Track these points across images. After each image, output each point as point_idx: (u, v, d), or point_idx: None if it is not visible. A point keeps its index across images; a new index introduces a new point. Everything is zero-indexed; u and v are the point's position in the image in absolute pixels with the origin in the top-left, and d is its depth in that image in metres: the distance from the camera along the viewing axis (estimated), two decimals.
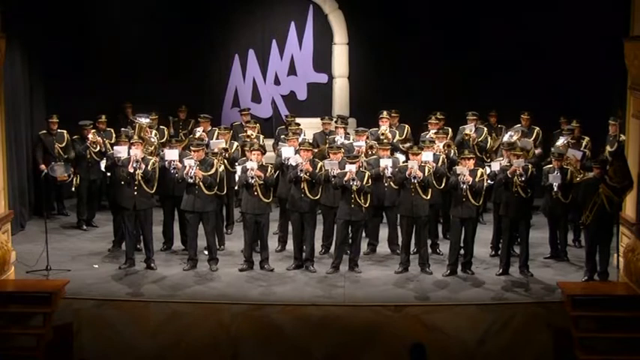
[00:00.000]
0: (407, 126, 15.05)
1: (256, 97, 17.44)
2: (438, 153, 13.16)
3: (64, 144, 14.98)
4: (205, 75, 17.21)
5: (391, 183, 12.81)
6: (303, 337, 11.11)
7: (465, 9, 16.33)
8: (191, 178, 12.29)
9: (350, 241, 12.60)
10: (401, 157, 13.36)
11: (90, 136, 14.53)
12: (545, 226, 13.38)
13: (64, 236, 14.31)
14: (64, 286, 11.58)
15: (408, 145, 14.10)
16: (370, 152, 13.52)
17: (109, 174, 13.61)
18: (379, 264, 12.96)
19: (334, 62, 17.36)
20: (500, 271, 12.41)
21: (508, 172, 12.34)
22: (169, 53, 16.69)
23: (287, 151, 12.83)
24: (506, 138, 14.30)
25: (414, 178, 12.18)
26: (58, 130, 15.01)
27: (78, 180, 14.62)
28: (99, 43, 16.35)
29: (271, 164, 12.83)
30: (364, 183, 12.22)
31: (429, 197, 12.44)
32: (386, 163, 12.76)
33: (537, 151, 14.71)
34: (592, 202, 11.80)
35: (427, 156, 12.66)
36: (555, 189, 12.69)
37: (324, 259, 12.97)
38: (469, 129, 14.67)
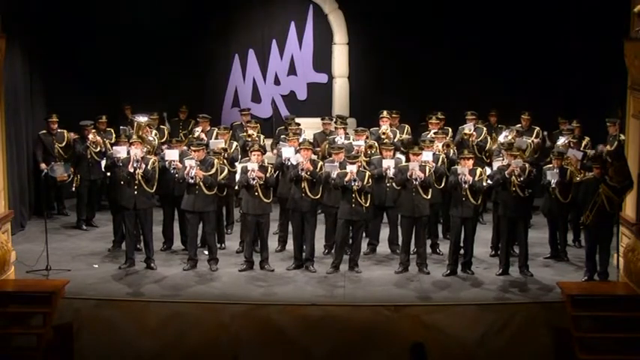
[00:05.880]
0: (407, 126, 15.06)
1: (256, 97, 17.45)
2: (437, 153, 13.18)
3: (64, 144, 14.98)
4: (205, 75, 17.22)
5: (393, 183, 12.82)
6: (303, 337, 11.10)
7: (466, 9, 16.33)
8: (192, 178, 12.29)
9: (350, 240, 12.62)
10: (401, 158, 13.36)
11: (90, 136, 14.53)
12: (545, 226, 13.39)
13: (64, 236, 14.31)
14: (64, 286, 11.58)
15: (406, 136, 14.16)
16: (370, 152, 13.53)
17: (108, 174, 13.63)
18: (379, 264, 12.96)
19: (334, 62, 17.37)
20: (500, 271, 12.41)
21: (506, 172, 12.34)
22: (169, 53, 16.70)
23: (287, 151, 12.84)
24: (501, 138, 14.32)
25: (416, 179, 12.20)
26: (58, 130, 15.02)
27: (78, 180, 14.62)
28: (99, 43, 16.34)
29: (271, 164, 12.84)
30: (365, 183, 12.22)
31: (429, 197, 12.45)
32: (389, 163, 12.77)
33: (536, 140, 14.71)
34: (592, 202, 11.79)
35: (427, 156, 12.69)
36: (553, 185, 12.69)
37: (324, 259, 12.96)
38: (468, 128, 14.68)
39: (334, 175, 12.27)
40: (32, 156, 15.04)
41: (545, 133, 15.03)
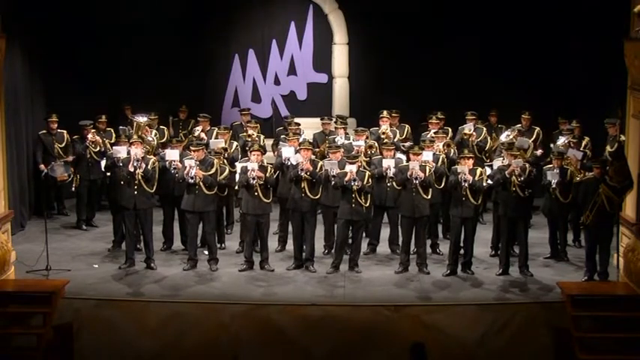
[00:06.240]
0: (407, 126, 15.08)
1: (256, 97, 17.45)
2: (437, 153, 13.18)
3: (64, 144, 14.98)
4: (205, 75, 17.21)
5: (393, 183, 12.83)
6: (303, 337, 11.10)
7: (466, 9, 16.33)
8: (192, 178, 12.29)
9: (350, 240, 12.61)
10: (402, 158, 13.36)
11: (89, 135, 14.52)
12: (545, 226, 13.38)
13: (64, 236, 14.30)
14: (64, 286, 11.58)
15: (408, 144, 14.14)
16: (370, 152, 13.53)
17: (108, 174, 13.63)
18: (379, 264, 12.96)
19: (334, 62, 17.37)
20: (500, 271, 12.41)
21: (506, 172, 12.34)
22: (169, 53, 16.68)
23: (287, 151, 12.84)
24: (503, 137, 14.32)
25: (416, 178, 12.20)
26: (58, 130, 15.02)
27: (78, 180, 14.62)
28: (99, 43, 16.34)
29: (271, 164, 12.84)
30: (365, 183, 12.23)
31: (429, 197, 12.46)
32: (389, 163, 12.77)
33: (539, 152, 14.70)
34: (592, 202, 11.80)
35: (427, 155, 12.70)
36: (554, 185, 12.69)
37: (324, 259, 12.96)
38: (468, 128, 14.68)
39: (334, 172, 12.27)
40: (32, 156, 15.05)
41: (551, 146, 14.79)
